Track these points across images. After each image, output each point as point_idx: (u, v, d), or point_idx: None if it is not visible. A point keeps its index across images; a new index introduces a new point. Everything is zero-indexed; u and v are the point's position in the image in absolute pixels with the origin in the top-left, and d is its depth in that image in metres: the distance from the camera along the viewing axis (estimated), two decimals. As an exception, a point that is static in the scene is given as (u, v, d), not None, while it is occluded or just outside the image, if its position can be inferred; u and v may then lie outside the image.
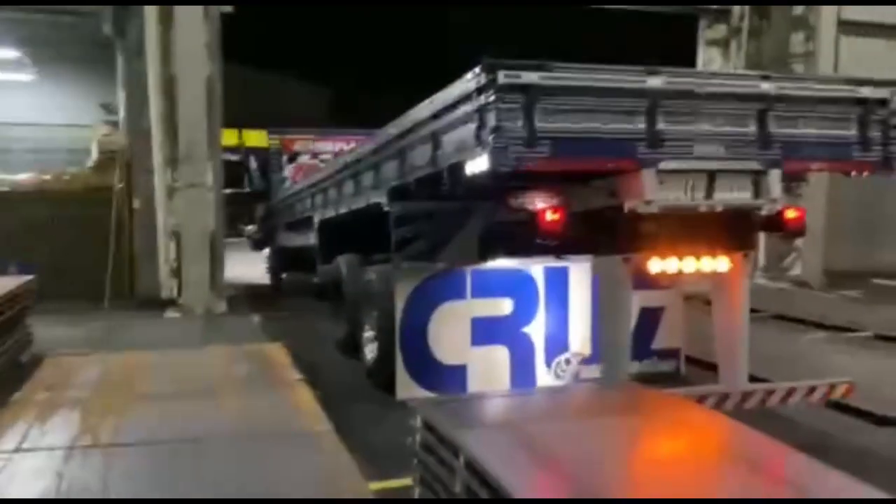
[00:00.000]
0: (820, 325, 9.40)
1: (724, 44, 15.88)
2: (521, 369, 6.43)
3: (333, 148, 13.59)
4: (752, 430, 3.14)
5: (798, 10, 14.79)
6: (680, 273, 4.61)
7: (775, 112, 4.53)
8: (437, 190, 5.37)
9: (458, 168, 4.64)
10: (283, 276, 13.56)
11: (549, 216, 4.57)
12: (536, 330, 6.44)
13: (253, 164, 14.76)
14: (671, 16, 15.66)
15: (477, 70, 4.14)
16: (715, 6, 15.33)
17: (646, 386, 4.48)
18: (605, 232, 4.57)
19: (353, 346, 7.81)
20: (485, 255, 6.26)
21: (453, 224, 6.22)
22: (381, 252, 8.31)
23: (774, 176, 4.54)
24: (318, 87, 31.67)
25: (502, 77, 4.02)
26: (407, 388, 6.12)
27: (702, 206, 4.46)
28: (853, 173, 4.91)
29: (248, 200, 14.87)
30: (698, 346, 6.87)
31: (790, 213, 4.76)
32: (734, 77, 4.58)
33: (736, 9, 15.49)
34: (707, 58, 15.99)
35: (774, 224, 4.82)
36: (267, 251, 15.16)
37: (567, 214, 4.56)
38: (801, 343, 8.70)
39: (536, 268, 6.40)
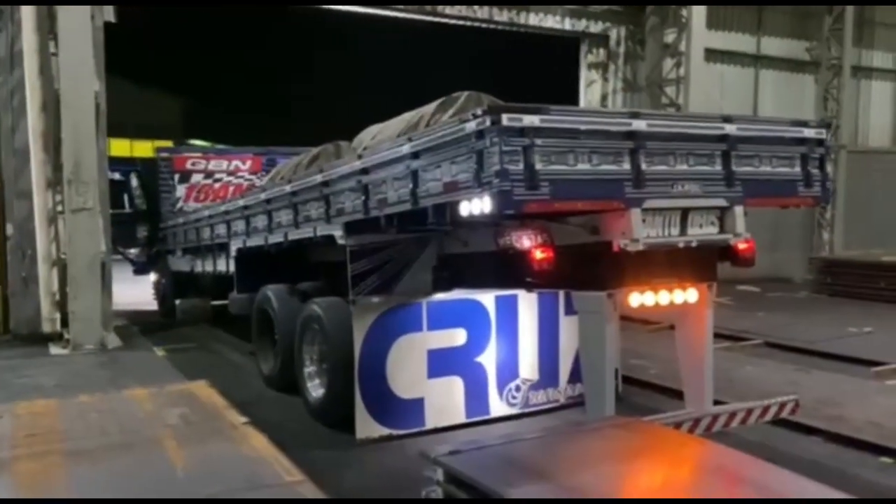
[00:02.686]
0: (727, 336, 10.08)
1: (603, 67, 16.77)
2: (475, 398, 6.46)
3: (228, 167, 13.01)
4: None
5: (669, 38, 15.87)
6: (656, 305, 4.81)
7: (737, 152, 4.85)
8: (392, 223, 5.30)
9: (445, 208, 4.60)
10: (177, 302, 12.77)
11: (539, 254, 4.62)
12: (489, 358, 6.49)
13: (134, 182, 13.83)
14: (557, 38, 16.33)
15: (478, 112, 4.12)
16: (595, 32, 16.15)
17: (645, 419, 4.65)
18: (588, 268, 4.69)
19: (287, 382, 7.50)
20: (439, 286, 6.24)
21: (409, 256, 6.15)
22: (309, 281, 8.10)
23: (739, 212, 4.85)
24: (176, 97, 30.36)
25: (506, 120, 4.03)
26: (367, 426, 5.96)
27: (680, 242, 4.68)
28: (798, 206, 5.34)
29: (128, 221, 13.88)
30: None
31: (741, 245, 5.09)
32: (700, 119, 4.81)
33: (613, 34, 16.40)
34: (588, 78, 16.82)
35: (728, 255, 5.13)
36: (153, 276, 14.23)
37: (556, 253, 4.63)
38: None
39: (488, 297, 6.45)
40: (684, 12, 15.29)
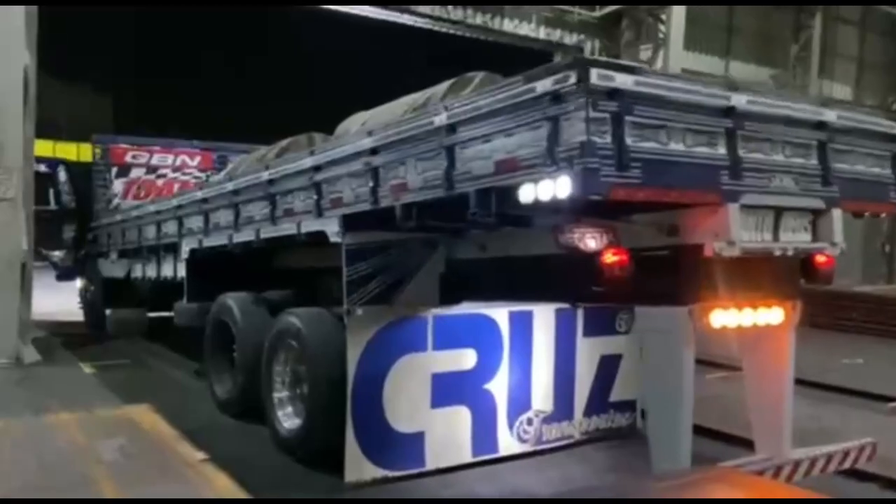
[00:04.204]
0: (712, 363, 9.33)
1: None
2: (483, 433, 5.43)
3: (174, 162, 11.68)
4: None
5: (645, 55, 15.40)
6: (739, 327, 3.93)
7: (834, 144, 4.04)
8: (410, 216, 4.27)
9: (493, 194, 3.61)
10: (107, 312, 11.28)
11: (611, 258, 3.67)
12: (499, 386, 5.48)
13: (63, 176, 12.31)
14: (529, 50, 15.64)
15: (559, 66, 3.17)
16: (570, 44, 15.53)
17: (728, 465, 3.72)
18: (664, 277, 3.77)
19: (248, 408, 6.30)
20: (448, 297, 5.22)
21: (415, 261, 5.12)
22: (275, 290, 6.94)
23: (836, 216, 4.03)
24: (104, 94, 28.45)
25: (595, 77, 3.09)
26: (358, 466, 4.87)
27: (776, 249, 3.82)
28: (882, 215, 4.57)
29: (53, 220, 12.33)
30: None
31: (820, 258, 4.28)
32: (797, 100, 3.96)
33: (588, 47, 15.83)
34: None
35: (803, 269, 4.30)
36: (80, 282, 12.66)
37: (630, 257, 3.70)
38: (715, 386, 8.50)
39: (500, 312, 5.45)
40: (662, 28, 14.85)
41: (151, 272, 9.10)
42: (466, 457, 5.34)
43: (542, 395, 5.70)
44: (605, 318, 6.02)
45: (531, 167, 3.35)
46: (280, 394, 5.73)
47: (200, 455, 5.12)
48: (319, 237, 5.10)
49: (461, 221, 4.11)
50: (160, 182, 11.57)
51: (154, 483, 4.60)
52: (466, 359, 5.32)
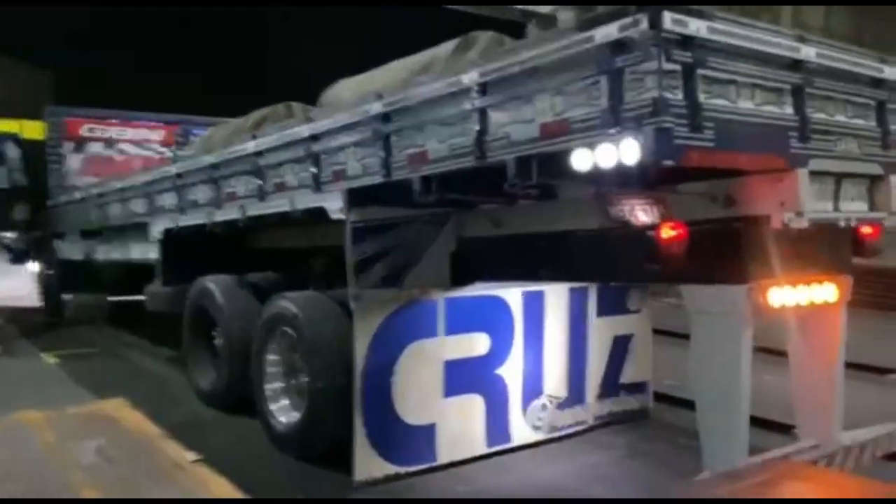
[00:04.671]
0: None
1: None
2: (496, 422, 5.05)
3: (135, 136, 10.95)
4: None
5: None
6: (796, 306, 3.59)
7: (893, 104, 3.70)
8: (430, 189, 3.82)
9: (534, 161, 3.18)
10: (68, 297, 10.57)
11: (668, 232, 3.28)
12: (512, 371, 5.10)
13: (12, 152, 11.47)
14: (503, 21, 15.09)
15: (625, 10, 2.73)
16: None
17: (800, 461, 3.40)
18: (722, 253, 3.40)
19: (236, 400, 5.82)
20: (460, 278, 4.80)
21: (424, 239, 4.69)
22: (256, 272, 6.43)
23: (894, 183, 3.70)
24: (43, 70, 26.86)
25: (668, 22, 2.67)
26: (368, 463, 4.45)
27: (840, 219, 3.48)
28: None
29: (4, 199, 11.50)
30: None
31: (866, 229, 3.97)
32: (857, 54, 3.59)
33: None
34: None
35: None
36: (36, 265, 11.87)
37: (688, 231, 3.31)
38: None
39: (513, 293, 5.06)
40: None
41: (116, 254, 8.47)
42: (480, 448, 4.95)
43: (554, 379, 5.34)
44: (618, 296, 5.69)
45: (587, 130, 2.92)
46: (273, 385, 5.25)
47: (191, 455, 4.66)
48: (317, 214, 4.61)
49: (492, 195, 3.69)
50: (120, 158, 10.83)
51: (143, 489, 4.13)
52: (479, 344, 4.93)
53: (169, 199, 6.59)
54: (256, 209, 5.22)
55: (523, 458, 5.06)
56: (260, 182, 5.18)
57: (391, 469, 4.53)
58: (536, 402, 5.25)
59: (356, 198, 4.35)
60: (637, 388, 5.89)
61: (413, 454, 4.65)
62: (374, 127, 4.02)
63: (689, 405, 6.24)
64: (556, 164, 3.10)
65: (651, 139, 2.69)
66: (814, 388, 4.01)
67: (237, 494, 4.10)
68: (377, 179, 4.05)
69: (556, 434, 5.34)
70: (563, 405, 5.40)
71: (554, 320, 5.30)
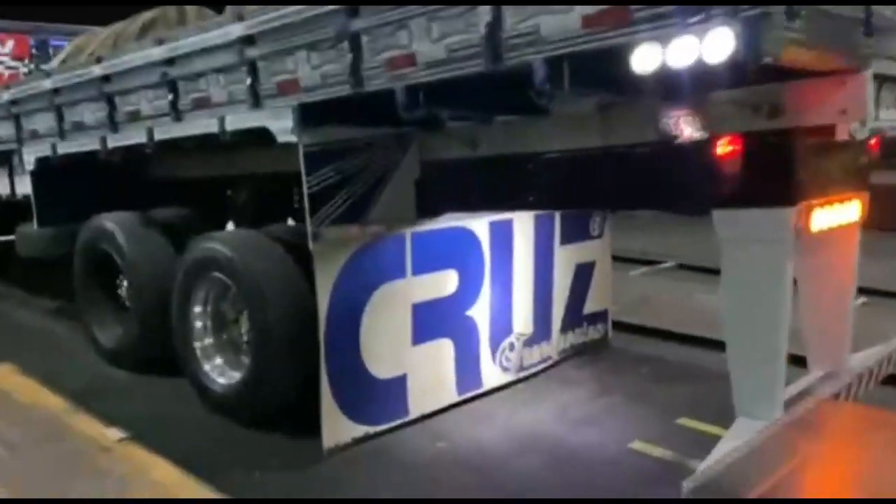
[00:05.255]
0: (632, 260, 9.01)
1: None
2: (467, 367, 4.56)
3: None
4: None
5: None
6: (833, 228, 3.25)
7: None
8: (418, 104, 3.13)
9: (568, 62, 2.56)
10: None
11: (725, 148, 2.79)
12: (481, 311, 4.59)
13: None
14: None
15: None
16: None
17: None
18: (766, 170, 2.96)
19: (149, 358, 4.97)
20: (426, 209, 4.16)
21: (386, 165, 3.98)
22: (163, 206, 5.48)
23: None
24: None
25: None
26: (336, 426, 3.85)
27: (887, 129, 3.12)
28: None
29: None
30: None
31: (873, 142, 3.68)
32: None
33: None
34: None
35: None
36: None
37: (744, 146, 2.83)
38: (644, 284, 8.12)
39: (480, 223, 4.49)
40: None
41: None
42: (450, 397, 4.45)
43: (522, 316, 4.89)
44: (581, 221, 5.27)
45: (654, 20, 2.32)
46: (203, 342, 4.47)
47: (115, 433, 3.85)
48: (256, 136, 3.78)
49: (501, 108, 3.04)
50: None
51: (67, 483, 3.32)
52: (447, 282, 4.35)
53: (43, 122, 5.40)
54: (169, 132, 4.27)
55: (495, 402, 4.62)
56: (172, 97, 4.22)
57: (361, 430, 3.95)
58: (505, 342, 4.79)
59: (310, 116, 3.55)
60: (598, 317, 5.57)
61: (383, 411, 4.08)
62: (339, 21, 3.21)
63: (637, 331, 6.15)
64: (603, 64, 2.51)
65: (751, 30, 2.14)
66: (827, 315, 3.74)
67: (186, 479, 3.39)
68: (343, 91, 3.27)
69: (524, 374, 4.93)
70: (529, 342, 4.98)
71: (521, 252, 4.80)
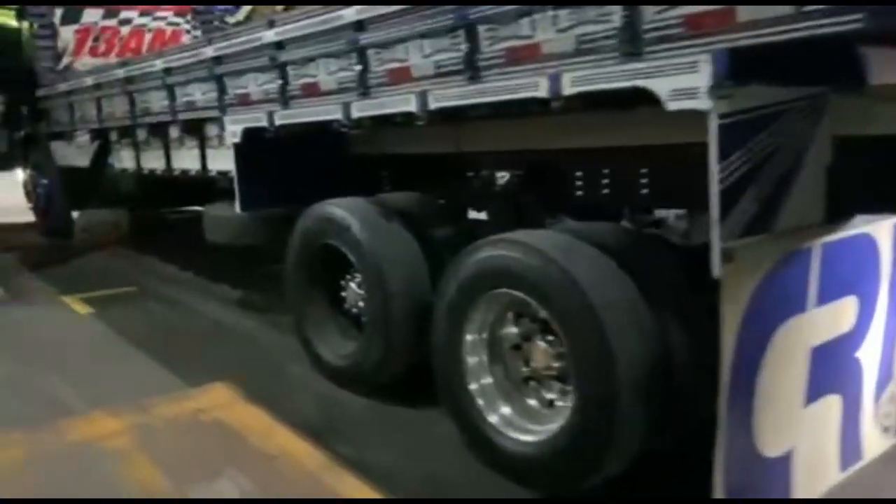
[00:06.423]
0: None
1: None
2: (849, 431, 3.21)
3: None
4: None
5: None
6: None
7: None
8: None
9: None
10: (75, 214, 8.38)
11: None
12: (870, 350, 3.24)
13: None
14: None
15: None
16: None
17: None
18: None
19: (391, 379, 3.91)
20: (841, 209, 2.84)
21: (798, 143, 2.69)
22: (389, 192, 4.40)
23: None
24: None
25: None
26: None
27: None
28: None
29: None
30: None
31: None
32: None
33: None
34: None
35: None
36: (23, 173, 9.57)
37: None
38: None
39: (884, 228, 3.12)
40: None
41: (154, 162, 6.25)
42: (834, 475, 3.15)
43: (905, 353, 3.51)
44: None
45: None
46: (481, 382, 3.33)
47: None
48: (626, 100, 2.54)
49: None
50: (125, 29, 8.37)
51: None
52: (846, 314, 3.02)
53: (259, 84, 4.37)
54: (466, 96, 3.08)
55: (876, 469, 3.30)
56: (468, 47, 3.03)
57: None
58: (886, 392, 3.43)
59: (734, 66, 2.29)
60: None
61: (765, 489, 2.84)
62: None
63: None
64: None
65: None
66: None
67: None
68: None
69: (897, 434, 3.57)
70: (904, 392, 3.60)
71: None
